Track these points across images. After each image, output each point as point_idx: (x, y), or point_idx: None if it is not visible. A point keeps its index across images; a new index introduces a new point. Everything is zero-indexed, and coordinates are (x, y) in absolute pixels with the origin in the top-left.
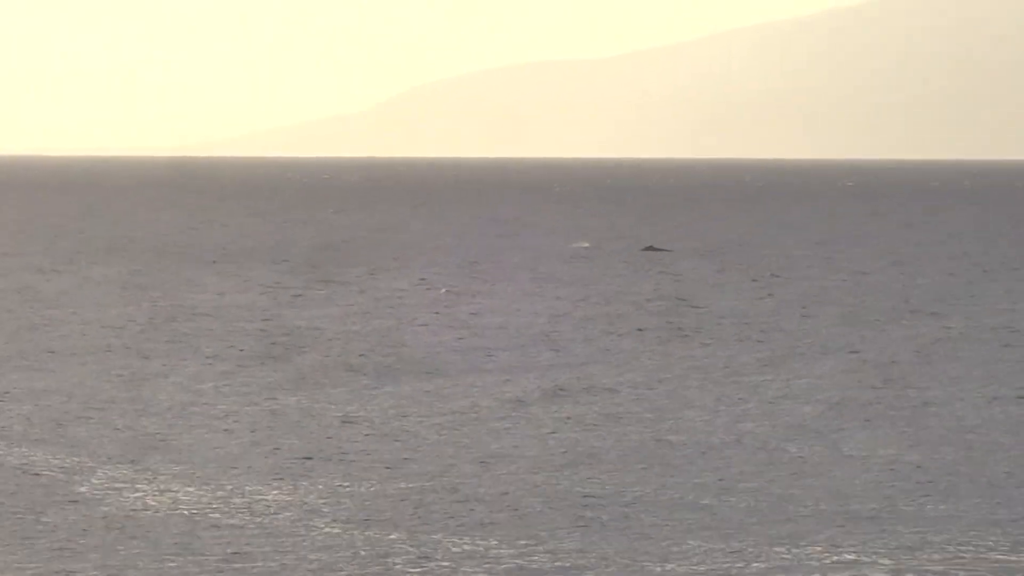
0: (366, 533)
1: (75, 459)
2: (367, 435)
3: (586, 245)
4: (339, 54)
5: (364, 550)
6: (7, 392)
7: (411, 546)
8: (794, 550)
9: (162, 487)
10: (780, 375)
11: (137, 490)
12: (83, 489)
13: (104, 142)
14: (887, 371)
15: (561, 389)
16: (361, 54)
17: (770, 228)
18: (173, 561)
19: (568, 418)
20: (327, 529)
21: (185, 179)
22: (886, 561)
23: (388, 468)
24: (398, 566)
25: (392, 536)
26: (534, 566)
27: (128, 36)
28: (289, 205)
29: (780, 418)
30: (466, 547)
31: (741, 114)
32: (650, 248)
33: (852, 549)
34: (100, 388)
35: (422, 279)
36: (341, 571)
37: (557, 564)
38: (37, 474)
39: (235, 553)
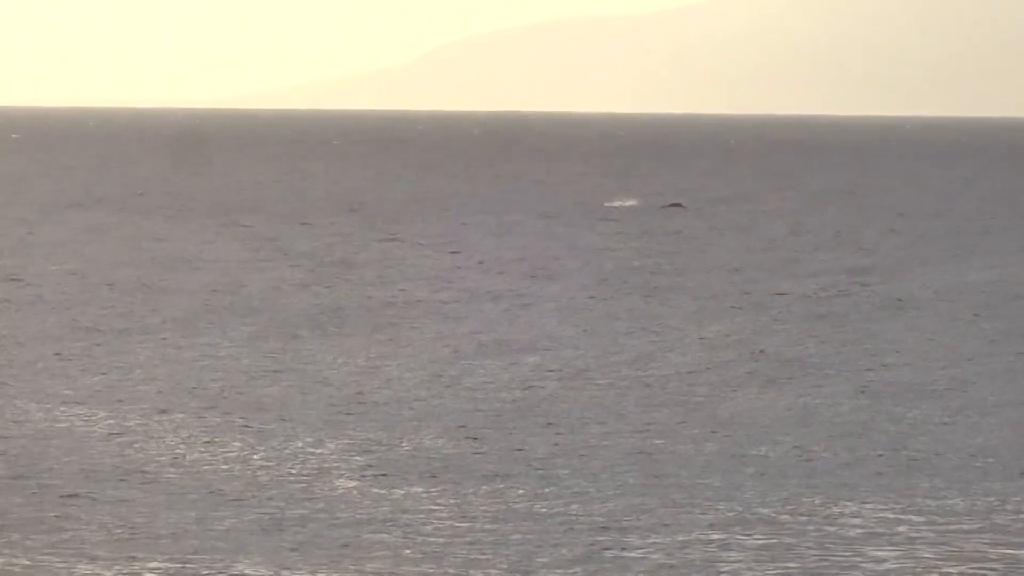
0: (387, 488)
1: (97, 410)
2: (380, 389)
3: (631, 203)
4: (379, 8)
5: (386, 504)
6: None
7: (428, 498)
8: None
9: (180, 435)
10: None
11: (150, 437)
12: (96, 438)
13: (144, 94)
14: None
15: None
16: (400, 9)
17: (779, 180)
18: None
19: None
20: (349, 483)
21: (220, 132)
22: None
23: (405, 421)
24: (419, 517)
25: (414, 488)
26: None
27: None
28: (305, 157)
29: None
30: (485, 496)
31: (781, 69)
32: (675, 204)
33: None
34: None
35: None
36: (367, 524)
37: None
38: (33, 422)
39: (235, 499)
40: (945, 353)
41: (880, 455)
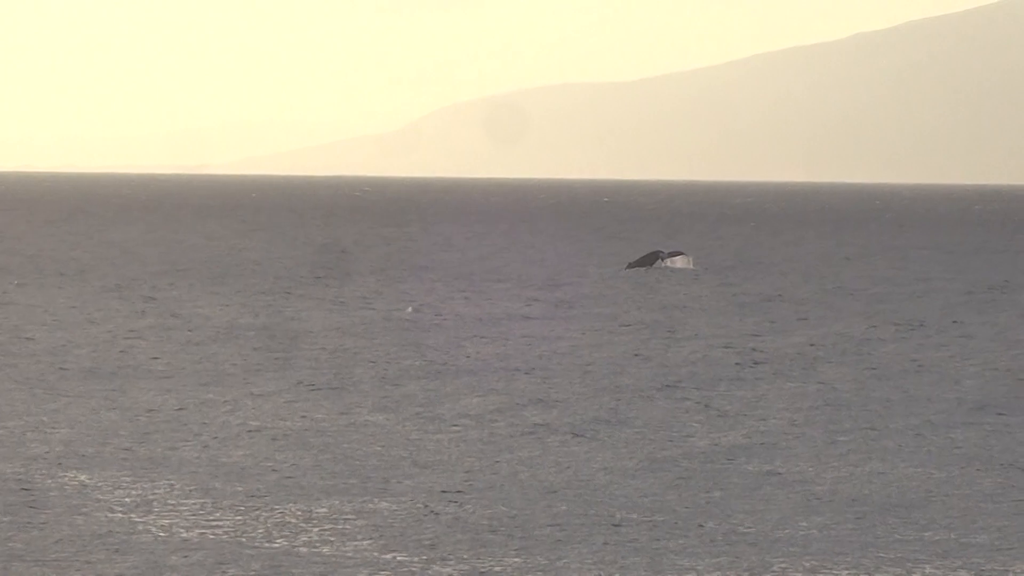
0: (385, 555)
1: (78, 474)
2: (380, 448)
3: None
4: (369, 74)
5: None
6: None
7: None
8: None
9: (164, 501)
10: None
11: (139, 503)
12: (82, 503)
13: (131, 159)
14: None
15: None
16: (391, 74)
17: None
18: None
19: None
20: (347, 548)
21: (208, 195)
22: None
23: (400, 481)
24: None
25: (407, 556)
26: None
27: (161, 52)
28: (304, 221)
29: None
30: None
31: (764, 137)
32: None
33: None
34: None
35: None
36: None
37: None
38: (34, 488)
39: (221, 564)
40: None
41: None
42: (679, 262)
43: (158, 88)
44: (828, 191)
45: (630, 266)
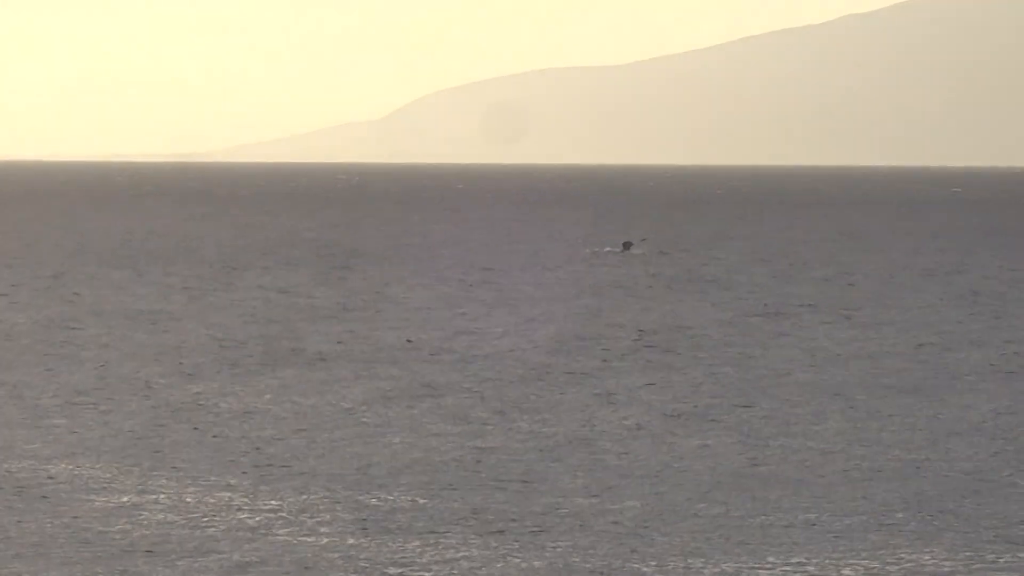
0: (364, 540)
1: (62, 462)
2: (357, 437)
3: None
4: (354, 60)
5: (361, 558)
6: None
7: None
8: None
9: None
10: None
11: (121, 490)
12: (64, 490)
13: (117, 148)
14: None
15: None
16: (376, 60)
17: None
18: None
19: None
20: (318, 534)
21: (193, 184)
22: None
23: (375, 473)
24: (390, 571)
25: (384, 541)
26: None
27: (145, 42)
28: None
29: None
30: (466, 552)
31: (755, 120)
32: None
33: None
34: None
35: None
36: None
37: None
38: (16, 475)
39: (199, 548)
40: None
41: None
42: (639, 248)
43: (147, 77)
44: (817, 175)
45: (600, 252)
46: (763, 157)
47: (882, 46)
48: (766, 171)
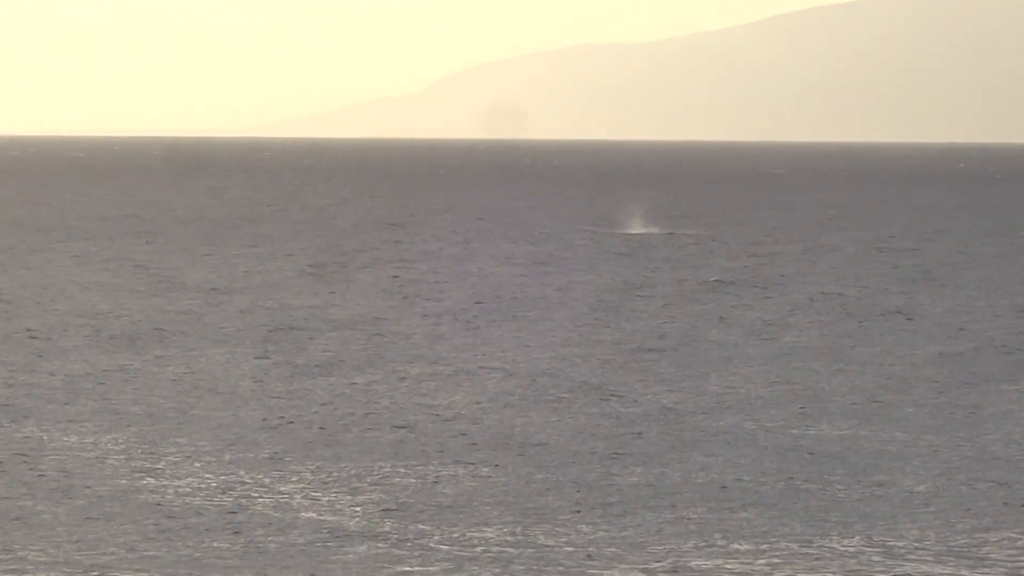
0: (374, 521)
1: (74, 436)
2: (367, 416)
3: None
4: (389, 35)
5: (370, 537)
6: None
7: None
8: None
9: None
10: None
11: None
12: (81, 465)
13: (162, 123)
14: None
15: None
16: (410, 36)
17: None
18: (156, 539)
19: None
20: (327, 511)
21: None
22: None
23: (392, 452)
24: (396, 550)
25: (392, 521)
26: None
27: (184, 17)
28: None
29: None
30: (464, 534)
31: (787, 98)
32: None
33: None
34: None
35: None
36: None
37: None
38: (37, 450)
39: (211, 531)
40: None
41: None
42: (641, 225)
43: (179, 52)
44: (847, 151)
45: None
46: (798, 133)
47: (914, 23)
48: (800, 148)
